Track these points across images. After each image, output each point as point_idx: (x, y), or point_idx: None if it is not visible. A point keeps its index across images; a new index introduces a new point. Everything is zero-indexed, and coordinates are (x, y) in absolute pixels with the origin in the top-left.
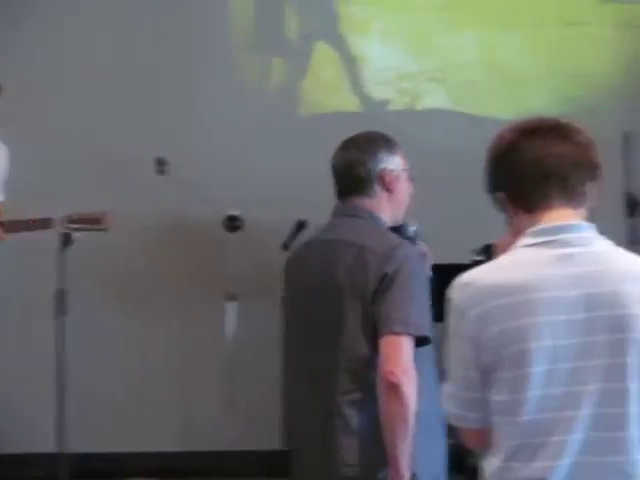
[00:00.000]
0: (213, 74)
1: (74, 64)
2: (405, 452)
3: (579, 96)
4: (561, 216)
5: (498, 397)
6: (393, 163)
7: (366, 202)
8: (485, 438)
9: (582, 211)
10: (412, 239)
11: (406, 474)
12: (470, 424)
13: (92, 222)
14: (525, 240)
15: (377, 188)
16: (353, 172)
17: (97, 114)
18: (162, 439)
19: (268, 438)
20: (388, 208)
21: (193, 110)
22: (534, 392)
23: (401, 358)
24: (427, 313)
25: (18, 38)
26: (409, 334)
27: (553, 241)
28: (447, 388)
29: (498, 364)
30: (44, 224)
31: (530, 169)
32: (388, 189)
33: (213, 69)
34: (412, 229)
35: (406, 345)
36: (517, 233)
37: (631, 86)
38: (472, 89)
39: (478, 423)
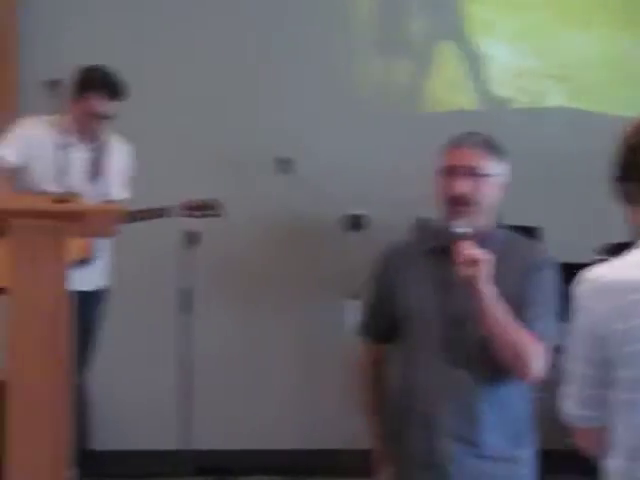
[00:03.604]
0: (334, 73)
1: (190, 61)
2: None
3: None
4: None
5: (618, 395)
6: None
7: None
8: (601, 438)
9: None
10: (455, 238)
11: None
12: (589, 423)
13: (206, 209)
14: None
15: None
16: None
17: (217, 113)
18: (282, 437)
19: None
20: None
21: (313, 109)
22: None
23: None
24: None
25: (130, 36)
26: None
27: None
28: (567, 388)
29: (620, 362)
30: (159, 213)
31: None
32: None
33: (334, 68)
34: (456, 230)
35: None
36: None
37: None
38: (593, 87)
39: (597, 422)
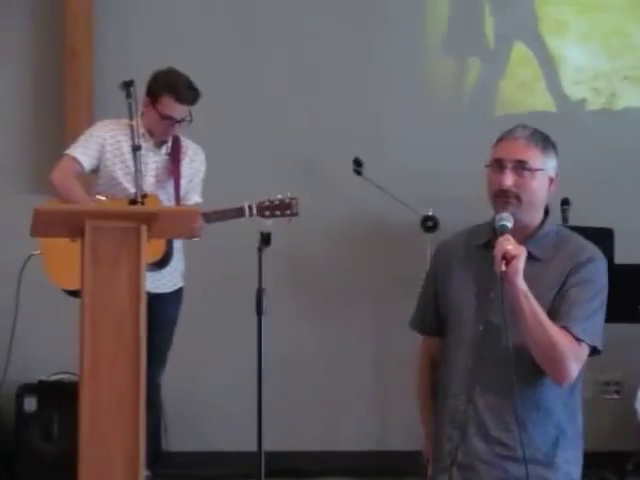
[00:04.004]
0: (405, 74)
1: (262, 62)
2: None
3: None
4: None
5: None
6: None
7: None
8: None
9: None
10: (497, 232)
11: None
12: None
13: (282, 208)
14: None
15: None
16: None
17: (292, 114)
18: (356, 438)
19: None
20: None
21: (385, 110)
22: None
23: None
24: None
25: (200, 38)
26: None
27: None
28: None
29: None
30: (236, 213)
31: None
32: None
33: (405, 69)
34: (498, 223)
35: None
36: None
37: None
38: None
39: None
